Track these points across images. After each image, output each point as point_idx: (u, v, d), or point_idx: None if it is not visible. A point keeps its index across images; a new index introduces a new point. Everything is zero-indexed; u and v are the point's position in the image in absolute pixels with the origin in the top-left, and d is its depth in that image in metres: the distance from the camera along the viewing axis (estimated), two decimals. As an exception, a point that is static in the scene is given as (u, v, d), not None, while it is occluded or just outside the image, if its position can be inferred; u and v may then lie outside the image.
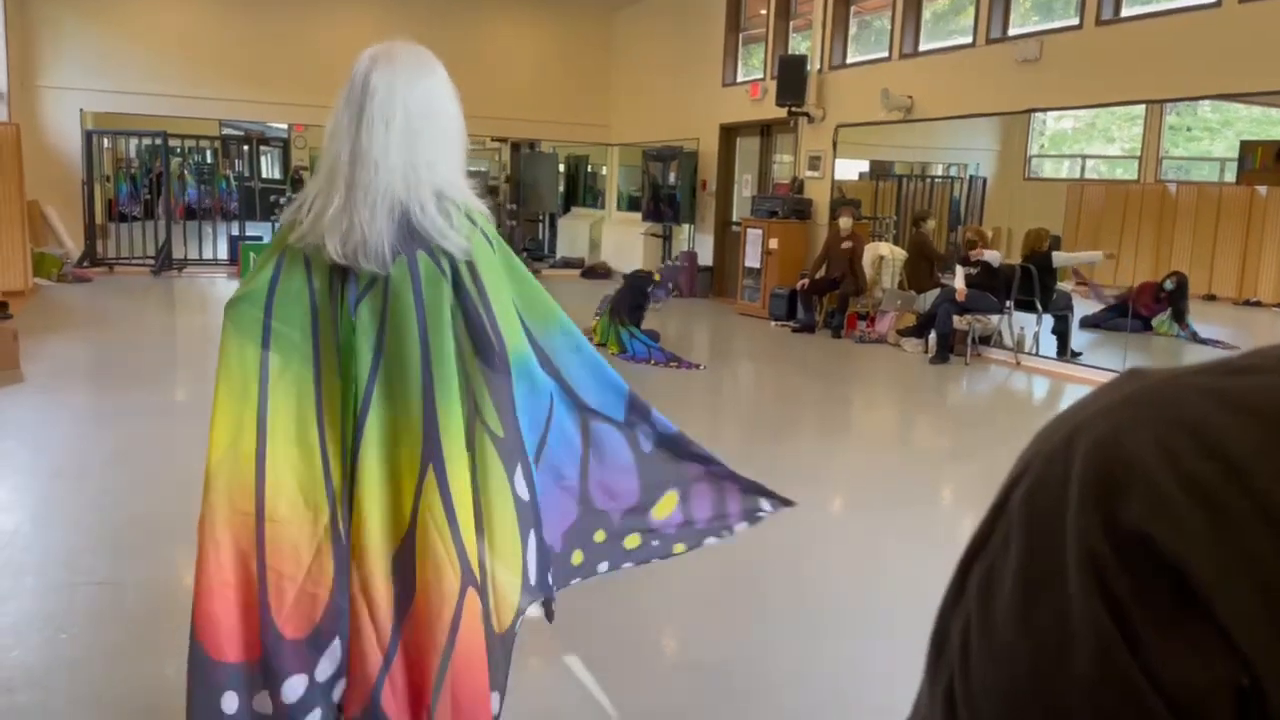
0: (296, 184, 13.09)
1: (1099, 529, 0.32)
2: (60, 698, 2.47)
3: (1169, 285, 7.94)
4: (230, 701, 1.61)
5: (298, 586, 1.63)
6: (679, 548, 2.00)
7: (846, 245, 9.30)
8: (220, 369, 1.67)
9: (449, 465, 1.58)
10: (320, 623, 1.64)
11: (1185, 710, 0.30)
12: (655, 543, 1.96)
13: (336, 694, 1.67)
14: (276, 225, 1.50)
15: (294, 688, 1.63)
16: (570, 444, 1.82)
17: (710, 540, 2.03)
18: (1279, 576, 0.29)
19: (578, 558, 1.90)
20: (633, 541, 1.94)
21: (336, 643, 1.65)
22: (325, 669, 1.65)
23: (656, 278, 8.65)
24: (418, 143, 1.61)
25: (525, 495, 1.72)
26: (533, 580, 1.76)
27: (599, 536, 1.91)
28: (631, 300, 7.95)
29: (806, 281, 9.60)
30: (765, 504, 2.11)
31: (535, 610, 3.08)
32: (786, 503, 2.12)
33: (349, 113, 1.64)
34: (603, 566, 1.95)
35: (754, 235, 10.71)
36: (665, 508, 1.95)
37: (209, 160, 14.96)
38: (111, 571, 3.27)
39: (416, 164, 1.60)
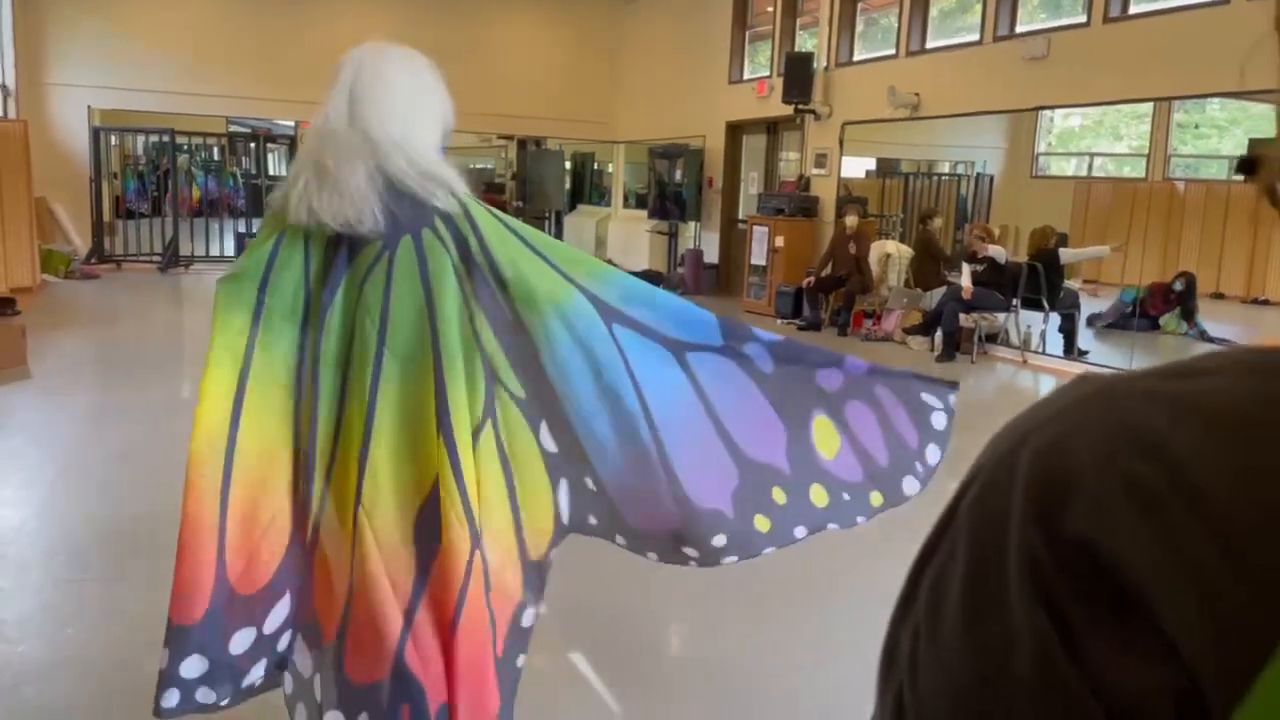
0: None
1: (1040, 535, 0.32)
2: (65, 693, 2.48)
3: (1178, 286, 7.92)
4: (192, 665, 1.66)
5: (254, 545, 1.67)
6: (876, 499, 1.74)
7: (852, 248, 9.29)
8: (211, 344, 1.67)
9: (458, 438, 1.56)
10: (273, 579, 1.67)
11: (1125, 715, 0.30)
12: (846, 496, 1.72)
13: (282, 644, 1.71)
14: (267, 207, 1.44)
15: (241, 640, 1.68)
16: (677, 390, 1.66)
17: (910, 485, 1.77)
18: (1217, 578, 0.29)
19: (763, 524, 1.70)
20: (820, 498, 1.71)
21: (286, 597, 1.69)
22: (273, 622, 1.69)
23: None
24: (389, 114, 1.61)
25: (554, 448, 1.67)
26: (565, 519, 1.72)
27: (779, 496, 1.71)
28: None
29: (812, 279, 9.59)
30: (934, 402, 1.79)
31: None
32: (952, 386, 1.80)
33: (343, 98, 1.64)
34: (800, 531, 1.73)
35: (760, 233, 10.70)
36: (828, 442, 1.71)
37: (215, 157, 14.98)
38: (117, 568, 3.28)
39: (388, 134, 1.59)
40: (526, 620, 1.72)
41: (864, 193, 10.66)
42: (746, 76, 12.17)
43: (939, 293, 8.73)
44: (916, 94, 9.30)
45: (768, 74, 11.58)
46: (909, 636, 0.37)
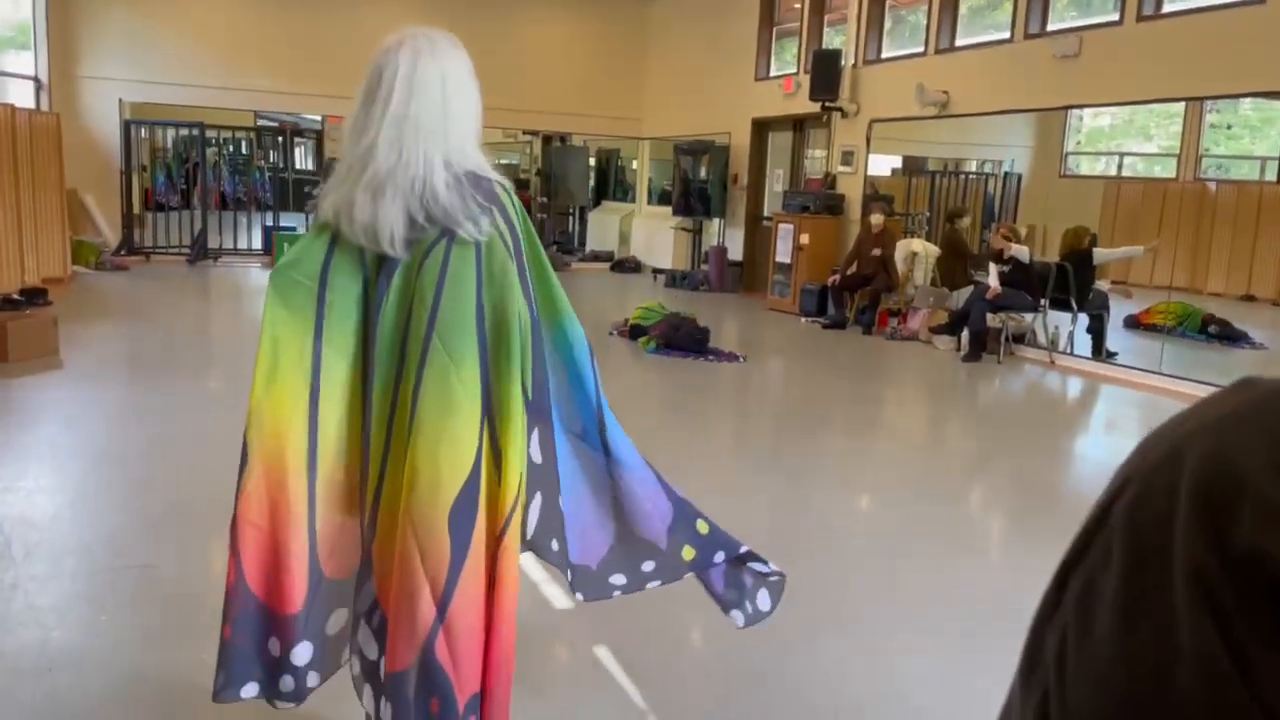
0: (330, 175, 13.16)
1: (1207, 545, 0.32)
2: (99, 678, 2.51)
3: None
4: (302, 652, 1.78)
5: (337, 528, 1.77)
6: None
7: (876, 251, 9.24)
8: (267, 335, 1.75)
9: (502, 425, 1.66)
10: (359, 567, 1.78)
11: None
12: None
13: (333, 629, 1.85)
14: (310, 213, 1.69)
15: (336, 621, 1.84)
16: (627, 447, 1.99)
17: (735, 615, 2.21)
18: None
19: (689, 554, 2.00)
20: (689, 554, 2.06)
21: (371, 581, 1.76)
22: (362, 603, 1.79)
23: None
24: (427, 119, 1.66)
25: (538, 459, 1.76)
26: (529, 534, 1.79)
27: (702, 527, 2.03)
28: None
29: (838, 277, 9.55)
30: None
31: (566, 602, 3.09)
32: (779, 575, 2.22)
33: (363, 102, 1.70)
34: (719, 557, 2.05)
35: (785, 230, 10.67)
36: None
37: (244, 151, 15.10)
38: (150, 556, 3.31)
39: (428, 141, 1.65)
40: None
41: (890, 191, 10.60)
42: (773, 73, 12.13)
43: (965, 292, 8.67)
44: (945, 92, 9.24)
45: (794, 71, 11.54)
46: (1055, 641, 0.36)
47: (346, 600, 1.82)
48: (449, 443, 1.61)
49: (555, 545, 1.84)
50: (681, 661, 2.88)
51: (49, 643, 2.68)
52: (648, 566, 1.98)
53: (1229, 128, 8.98)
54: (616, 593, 1.98)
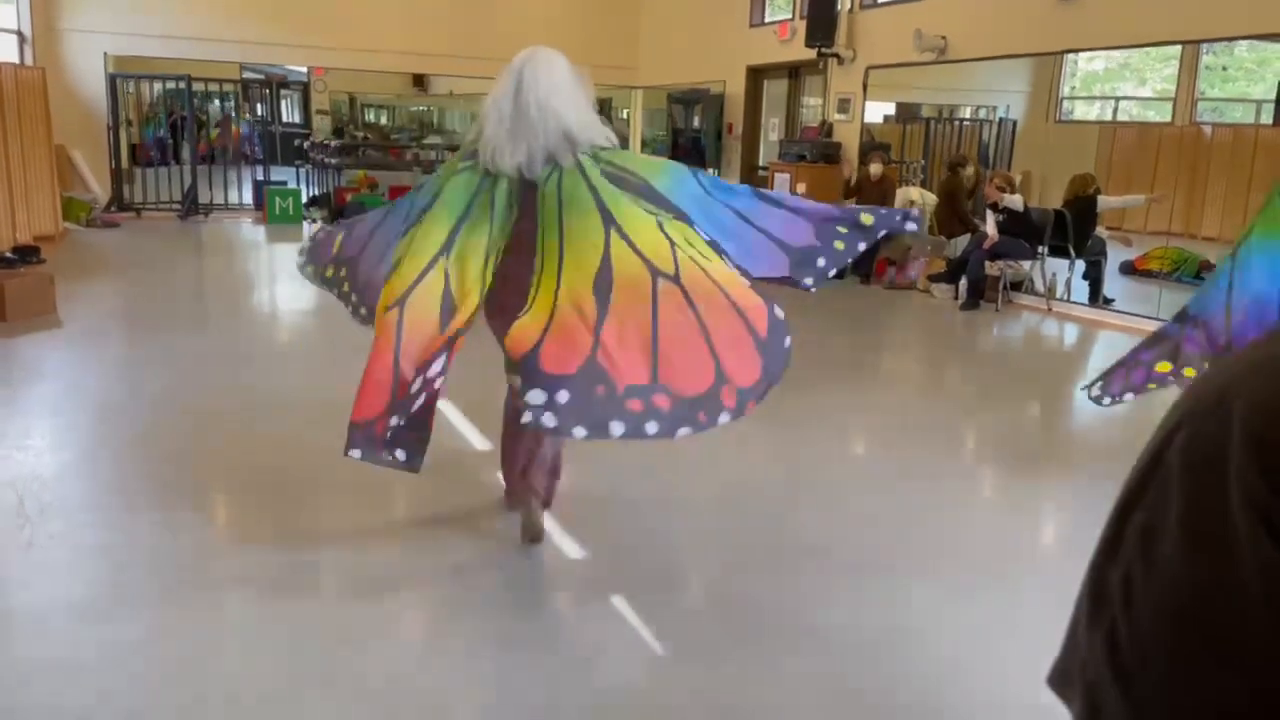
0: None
1: (1261, 478, 0.34)
2: (126, 630, 2.54)
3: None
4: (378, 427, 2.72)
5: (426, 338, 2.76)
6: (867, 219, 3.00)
7: (876, 194, 9.19)
8: (429, 220, 2.88)
9: (627, 229, 2.74)
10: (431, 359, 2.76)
11: None
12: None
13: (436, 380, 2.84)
14: (459, 154, 3.07)
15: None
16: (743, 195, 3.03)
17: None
18: None
19: (839, 244, 2.98)
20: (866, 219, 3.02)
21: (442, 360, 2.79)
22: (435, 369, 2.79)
23: None
24: (549, 102, 2.85)
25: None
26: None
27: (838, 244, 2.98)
28: None
29: None
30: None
31: (578, 552, 3.13)
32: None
33: (508, 90, 2.88)
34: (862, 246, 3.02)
35: (781, 180, 10.60)
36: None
37: (231, 104, 14.89)
38: (163, 508, 3.33)
39: (548, 116, 2.84)
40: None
41: (884, 138, 10.53)
42: (768, 19, 11.98)
43: (963, 240, 8.66)
44: (943, 37, 9.14)
45: (790, 16, 11.40)
46: (1119, 577, 0.39)
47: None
48: (580, 250, 2.72)
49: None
50: (700, 608, 2.93)
51: (71, 598, 2.71)
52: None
53: (1224, 69, 8.93)
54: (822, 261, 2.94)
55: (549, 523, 3.25)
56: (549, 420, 2.48)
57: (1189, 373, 3.79)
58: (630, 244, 2.69)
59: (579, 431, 2.50)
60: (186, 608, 2.71)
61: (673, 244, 2.70)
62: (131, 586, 2.80)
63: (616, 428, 2.51)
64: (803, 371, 6.09)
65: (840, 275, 9.21)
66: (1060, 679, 0.44)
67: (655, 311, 2.61)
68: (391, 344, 2.68)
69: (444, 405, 4.74)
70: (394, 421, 2.71)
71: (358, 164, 13.95)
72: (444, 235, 2.81)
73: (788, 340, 2.69)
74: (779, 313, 2.68)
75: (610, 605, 2.82)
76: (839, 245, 2.94)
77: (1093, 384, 3.96)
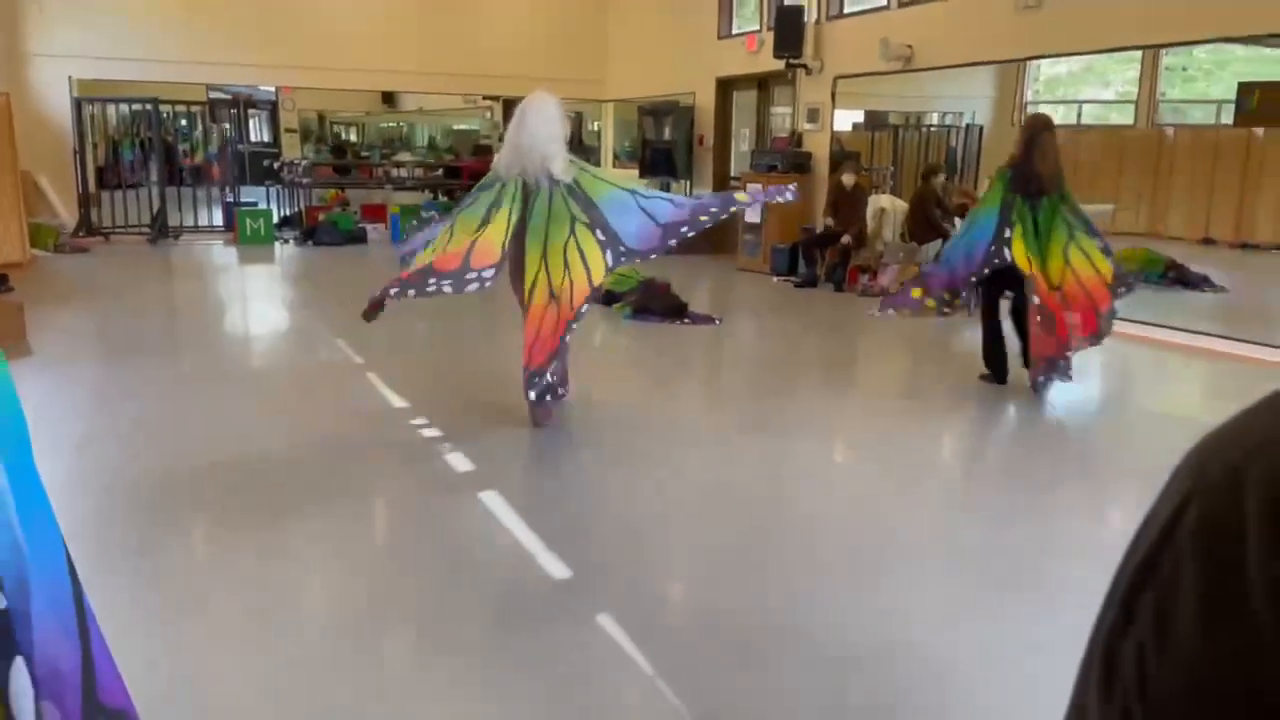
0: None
1: None
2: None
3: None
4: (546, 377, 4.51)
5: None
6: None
7: (849, 203, 9.27)
8: (465, 215, 4.56)
9: (581, 244, 4.44)
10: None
11: None
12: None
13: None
14: (488, 178, 4.67)
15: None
16: (659, 201, 4.76)
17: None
18: None
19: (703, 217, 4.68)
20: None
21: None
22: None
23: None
24: (535, 142, 4.46)
25: (602, 238, 4.50)
26: (609, 265, 4.48)
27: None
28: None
29: (815, 232, 9.60)
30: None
31: (563, 571, 3.14)
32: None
33: (515, 125, 4.53)
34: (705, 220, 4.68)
35: (754, 190, 10.66)
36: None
37: (199, 125, 14.80)
38: (140, 538, 3.31)
39: (535, 148, 4.45)
40: (581, 314, 4.47)
41: (853, 146, 10.62)
42: (736, 31, 12.06)
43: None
44: (909, 46, 9.25)
45: (757, 28, 11.48)
46: (1132, 656, 0.38)
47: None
48: (554, 265, 4.43)
49: (622, 259, 4.50)
50: (685, 622, 2.94)
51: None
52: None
53: (1184, 70, 9.09)
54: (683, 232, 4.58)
55: (534, 542, 3.26)
56: (549, 393, 4.59)
57: (930, 305, 5.62)
58: (582, 256, 4.47)
59: (556, 372, 4.59)
60: (169, 639, 2.69)
61: (581, 253, 4.43)
62: (107, 622, 2.78)
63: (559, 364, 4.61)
64: (784, 380, 6.15)
65: (813, 284, 9.37)
66: None
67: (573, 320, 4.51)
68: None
69: (431, 432, 4.74)
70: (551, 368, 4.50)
71: (329, 182, 13.91)
72: (480, 215, 4.50)
73: (585, 307, 4.43)
74: (600, 291, 4.68)
75: (596, 623, 2.82)
76: (703, 219, 4.60)
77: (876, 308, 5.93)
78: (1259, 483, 0.35)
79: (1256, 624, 0.34)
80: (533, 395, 4.41)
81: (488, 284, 4.34)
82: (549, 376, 4.46)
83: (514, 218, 4.41)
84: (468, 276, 4.27)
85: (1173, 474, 0.40)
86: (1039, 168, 5.19)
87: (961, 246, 5.50)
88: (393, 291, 4.29)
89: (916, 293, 5.67)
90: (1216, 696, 0.35)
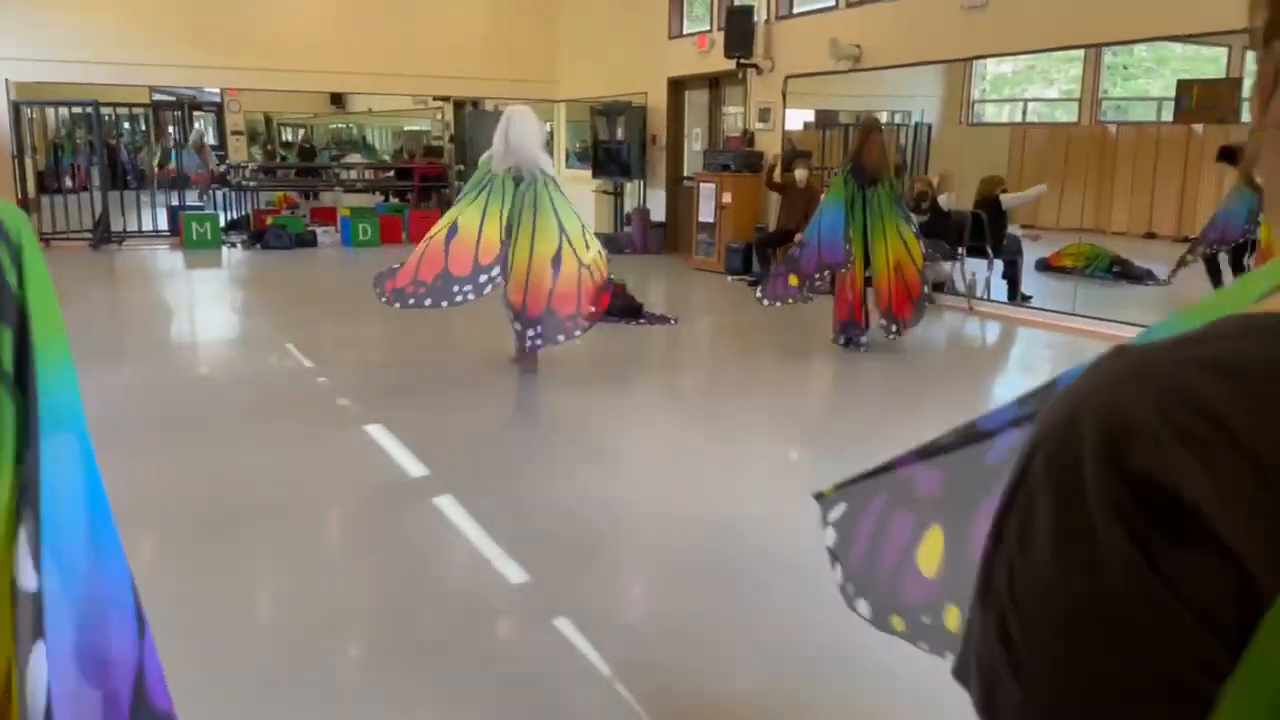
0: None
1: (1114, 477, 0.40)
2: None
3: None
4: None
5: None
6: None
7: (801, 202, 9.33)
8: (462, 203, 5.62)
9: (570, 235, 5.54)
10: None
11: (1200, 610, 0.38)
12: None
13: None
14: (478, 170, 5.62)
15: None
16: None
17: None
18: (1256, 495, 0.38)
19: None
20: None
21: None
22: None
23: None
24: (524, 142, 5.49)
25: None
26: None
27: None
28: None
29: (767, 232, 9.64)
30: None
31: (520, 576, 3.12)
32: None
33: (501, 131, 5.52)
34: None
35: (707, 190, 10.70)
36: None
37: (142, 128, 14.53)
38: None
39: (527, 148, 5.50)
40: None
41: (805, 145, 10.69)
42: (687, 31, 12.08)
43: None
44: (858, 46, 9.33)
45: (708, 28, 11.52)
46: (1004, 572, 0.45)
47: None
48: (543, 240, 5.45)
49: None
50: (643, 624, 2.94)
51: None
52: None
53: (1125, 69, 9.27)
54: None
55: (488, 544, 3.24)
56: (537, 341, 5.46)
57: (792, 280, 6.45)
58: (569, 242, 5.45)
59: (547, 342, 5.45)
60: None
61: (568, 239, 5.43)
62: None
63: (560, 337, 5.49)
64: (737, 380, 6.17)
65: (765, 279, 9.39)
66: (961, 671, 0.48)
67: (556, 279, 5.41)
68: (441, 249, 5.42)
69: (387, 440, 4.68)
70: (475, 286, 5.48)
71: (278, 185, 13.71)
72: (479, 209, 5.49)
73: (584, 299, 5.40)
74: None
75: (554, 626, 2.81)
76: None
77: (759, 298, 6.64)
78: (1091, 423, 0.42)
79: (1096, 542, 0.40)
80: (539, 342, 5.44)
81: (497, 281, 5.38)
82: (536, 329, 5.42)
83: (505, 210, 5.45)
84: (481, 279, 5.35)
85: (1034, 425, 0.46)
86: (868, 162, 6.35)
87: (815, 231, 6.50)
88: (420, 298, 5.40)
89: (794, 280, 6.48)
90: (1065, 599, 0.41)
